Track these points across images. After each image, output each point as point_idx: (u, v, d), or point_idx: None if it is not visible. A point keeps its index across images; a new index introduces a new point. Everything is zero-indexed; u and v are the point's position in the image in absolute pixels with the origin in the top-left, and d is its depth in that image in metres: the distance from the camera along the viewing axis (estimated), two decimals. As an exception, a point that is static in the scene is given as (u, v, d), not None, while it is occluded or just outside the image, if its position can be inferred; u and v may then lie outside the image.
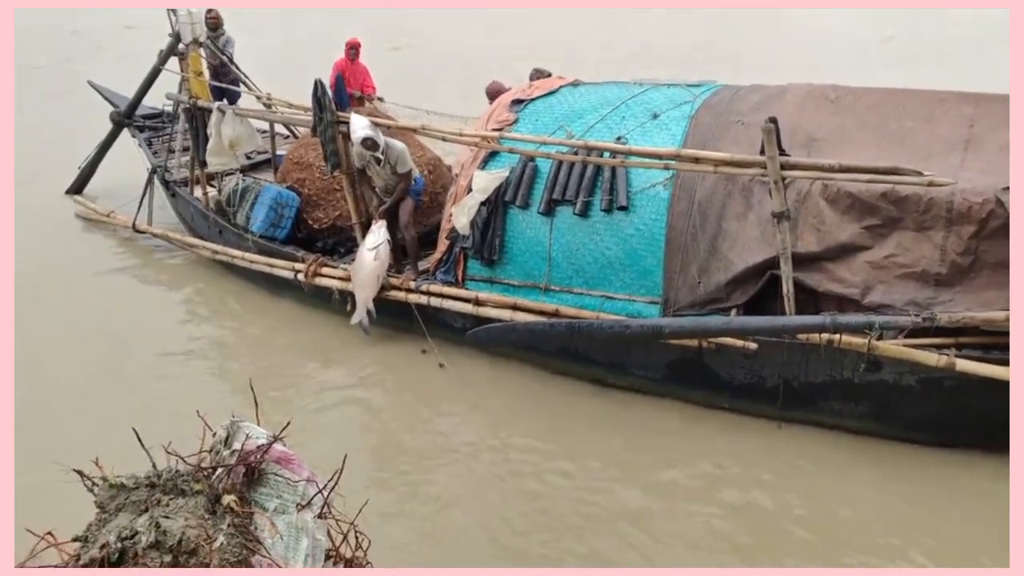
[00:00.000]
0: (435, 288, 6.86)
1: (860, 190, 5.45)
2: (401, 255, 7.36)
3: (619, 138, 6.39)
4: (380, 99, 10.01)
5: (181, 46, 8.80)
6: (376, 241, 6.91)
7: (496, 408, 6.30)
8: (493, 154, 6.82)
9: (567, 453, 5.72)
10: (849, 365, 5.48)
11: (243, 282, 8.42)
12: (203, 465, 3.00)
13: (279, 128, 9.64)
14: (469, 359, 6.85)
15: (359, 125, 6.75)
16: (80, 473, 2.96)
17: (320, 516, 3.07)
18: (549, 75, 7.70)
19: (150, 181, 9.45)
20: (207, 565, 2.68)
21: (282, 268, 7.79)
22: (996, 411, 4.62)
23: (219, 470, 2.98)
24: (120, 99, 10.78)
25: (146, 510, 2.84)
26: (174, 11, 8.71)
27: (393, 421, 6.33)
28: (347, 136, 7.04)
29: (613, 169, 6.23)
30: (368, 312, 7.00)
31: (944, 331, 5.23)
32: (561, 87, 7.32)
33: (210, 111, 8.30)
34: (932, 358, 5.14)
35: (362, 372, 6.92)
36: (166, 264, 9.11)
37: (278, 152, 9.06)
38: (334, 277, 7.42)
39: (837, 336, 5.29)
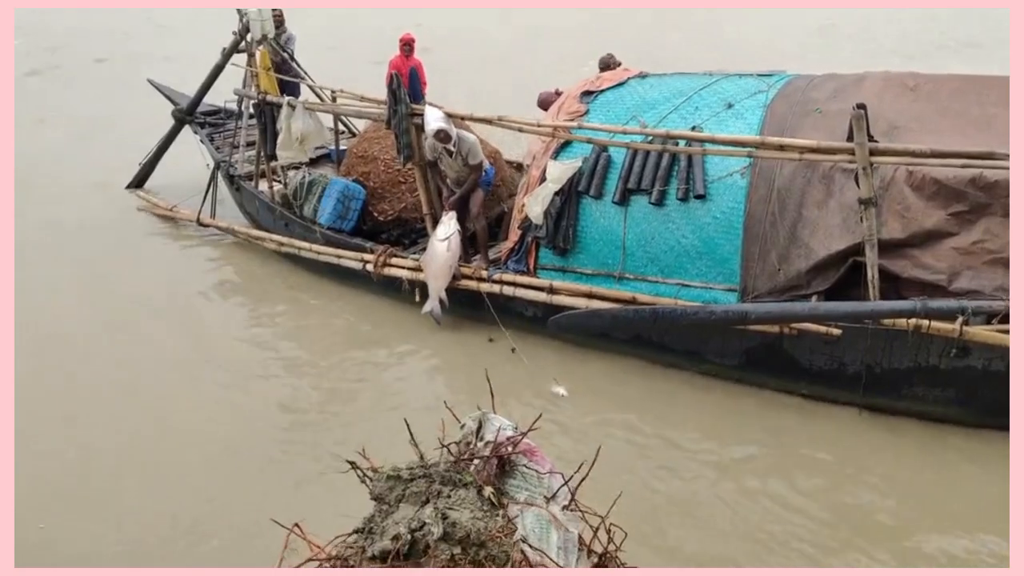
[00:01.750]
0: (508, 277, 6.93)
1: (947, 176, 5.44)
2: (470, 245, 7.44)
3: (694, 128, 6.42)
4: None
5: (247, 42, 8.95)
6: (448, 232, 7.01)
7: (590, 393, 6.36)
8: (565, 145, 6.87)
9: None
10: (936, 351, 5.46)
11: (302, 272, 8.55)
12: (460, 457, 2.96)
13: (331, 123, 9.77)
14: (538, 347, 6.90)
15: (433, 117, 6.85)
16: (353, 464, 2.93)
17: (566, 508, 3.01)
18: (619, 64, 7.73)
19: (214, 176, 9.61)
20: (493, 558, 2.61)
21: (350, 259, 7.90)
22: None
23: (476, 461, 2.95)
24: (180, 97, 10.97)
25: (427, 501, 2.78)
26: (242, 10, 8.88)
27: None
28: (420, 128, 7.13)
29: (690, 158, 6.26)
30: (440, 301, 7.09)
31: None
32: (629, 79, 7.37)
33: (279, 106, 8.43)
34: (1024, 343, 5.10)
35: (430, 360, 7.01)
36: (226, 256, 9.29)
37: (338, 147, 9.21)
38: (404, 267, 7.51)
39: (926, 322, 5.28)
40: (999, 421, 5.50)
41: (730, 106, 6.53)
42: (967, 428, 5.60)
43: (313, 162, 9.57)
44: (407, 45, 10.11)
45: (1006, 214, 5.33)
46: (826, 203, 5.86)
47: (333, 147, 9.45)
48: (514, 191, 7.71)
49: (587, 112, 7.01)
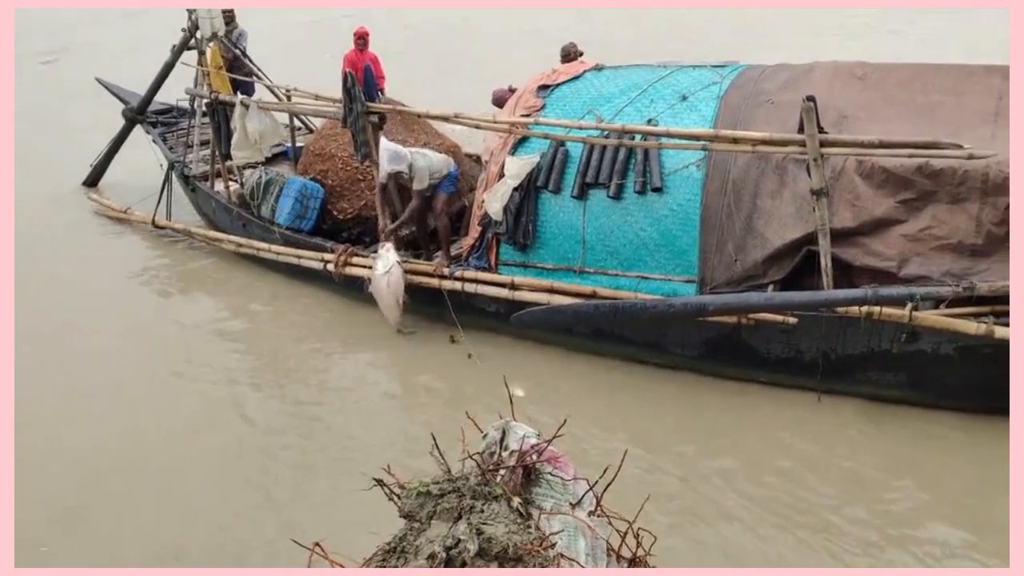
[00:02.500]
0: (470, 274, 6.93)
1: (895, 165, 5.55)
2: (431, 242, 7.42)
3: (650, 121, 6.47)
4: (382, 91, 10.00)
5: (196, 40, 8.79)
6: (387, 265, 6.95)
7: (555, 392, 6.37)
8: (523, 140, 6.88)
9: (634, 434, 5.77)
10: (888, 336, 5.60)
11: (267, 274, 8.47)
12: (488, 468, 2.89)
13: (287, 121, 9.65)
14: (499, 346, 6.93)
15: (386, 158, 6.88)
16: (379, 482, 2.84)
17: (591, 514, 2.96)
18: (581, 53, 7.73)
19: (168, 177, 9.47)
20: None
21: (311, 259, 7.84)
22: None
23: (502, 472, 2.88)
24: (130, 95, 10.74)
25: (459, 517, 2.71)
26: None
27: (438, 409, 6.40)
28: (376, 126, 7.08)
29: (646, 152, 6.31)
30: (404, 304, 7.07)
31: (981, 300, 5.36)
32: (585, 72, 7.38)
33: (232, 105, 8.30)
34: (971, 327, 5.26)
35: (392, 363, 7.01)
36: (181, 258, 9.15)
37: (295, 144, 9.10)
38: (364, 266, 7.47)
39: (877, 308, 5.41)
40: (950, 402, 5.70)
41: (685, 98, 6.59)
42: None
43: (269, 160, 9.44)
44: (361, 39, 9.98)
45: (952, 201, 5.48)
46: (780, 193, 5.96)
47: (289, 144, 9.36)
48: (475, 186, 7.70)
49: (544, 107, 7.02)
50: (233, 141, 8.30)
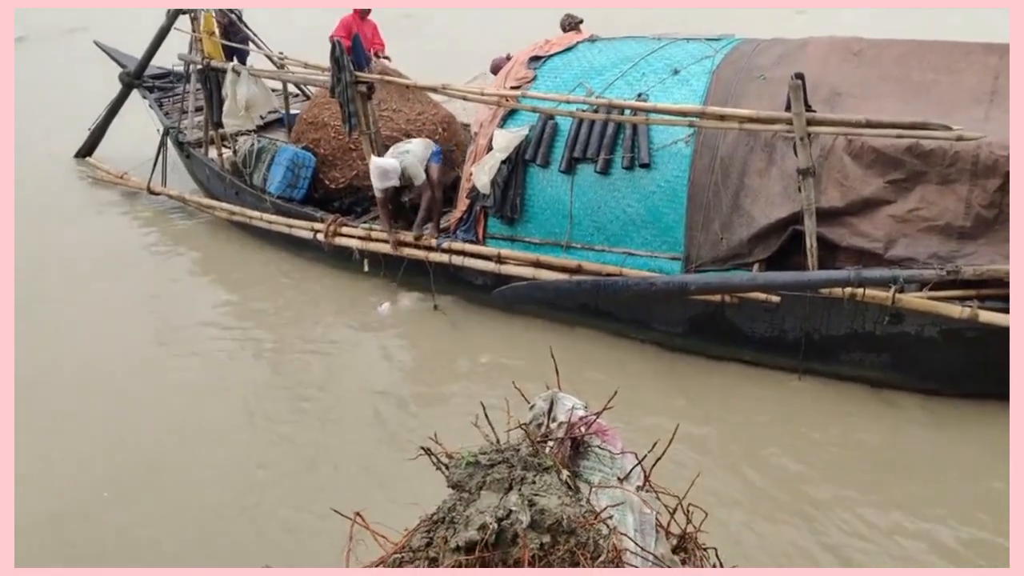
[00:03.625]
0: (456, 245, 6.91)
1: (885, 145, 5.46)
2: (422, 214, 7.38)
3: (640, 95, 6.38)
4: (387, 58, 9.90)
5: (191, 4, 8.70)
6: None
7: (521, 363, 6.39)
8: (512, 112, 6.80)
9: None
10: (871, 318, 5.55)
11: (258, 241, 8.47)
12: (538, 439, 2.83)
13: (291, 87, 9.57)
14: (485, 316, 6.95)
15: (377, 176, 6.86)
16: (427, 451, 2.79)
17: (639, 489, 2.90)
18: (580, 21, 7.60)
19: (163, 143, 9.43)
20: (583, 545, 2.50)
21: (301, 228, 7.82)
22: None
23: (550, 444, 2.82)
24: (128, 59, 10.67)
25: (510, 488, 2.65)
26: None
27: (414, 377, 6.43)
28: (366, 96, 7.02)
29: (635, 126, 6.23)
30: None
31: (966, 283, 5.30)
32: (579, 43, 7.26)
33: (224, 72, 8.23)
34: (955, 310, 5.21)
35: (381, 332, 7.02)
36: (178, 226, 9.15)
37: (290, 112, 9.04)
38: (354, 236, 7.46)
39: (861, 290, 5.36)
40: (933, 385, 5.67)
41: (676, 72, 6.48)
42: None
43: (265, 127, 9.39)
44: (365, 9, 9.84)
45: (941, 182, 5.39)
46: (768, 171, 5.88)
47: (285, 112, 9.30)
48: (467, 158, 7.64)
49: (535, 78, 6.92)
50: (224, 108, 8.24)
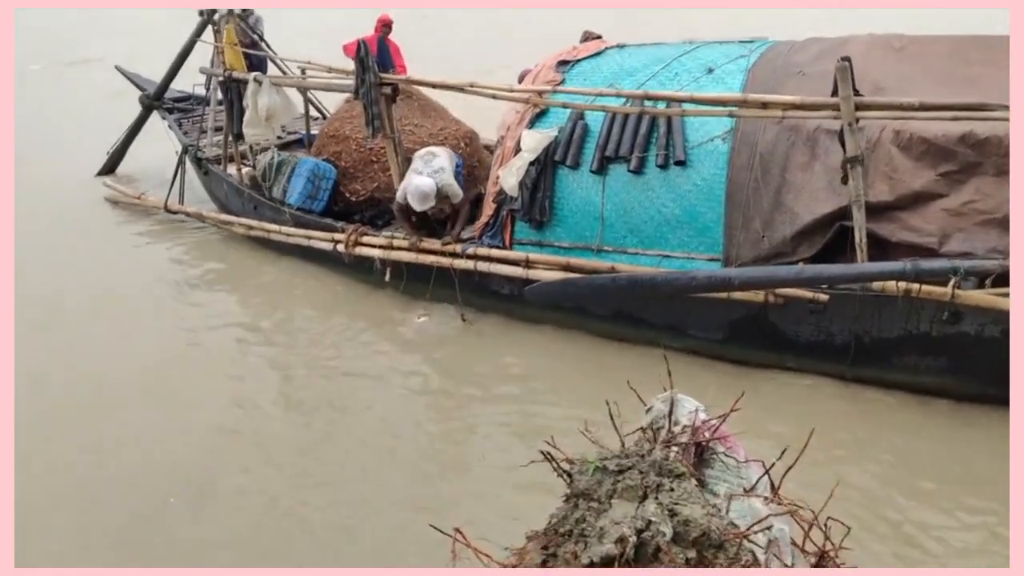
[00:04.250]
0: (482, 251, 6.64)
1: (935, 135, 5.21)
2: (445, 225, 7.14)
3: (674, 93, 6.18)
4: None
5: (214, 21, 8.68)
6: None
7: (546, 376, 6.08)
8: (540, 115, 6.62)
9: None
10: (927, 317, 5.22)
11: (280, 259, 8.24)
12: (665, 443, 2.59)
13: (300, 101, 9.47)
14: (512, 327, 6.67)
15: (418, 200, 6.68)
16: (548, 457, 2.53)
17: (768, 501, 2.63)
18: (599, 36, 7.49)
19: (181, 160, 9.33)
20: (738, 562, 2.24)
21: (321, 240, 7.60)
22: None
23: (675, 449, 2.58)
24: (148, 83, 10.68)
25: (644, 496, 2.38)
26: None
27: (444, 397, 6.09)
28: (390, 98, 6.86)
29: (669, 123, 6.01)
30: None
31: (1029, 278, 4.97)
32: (607, 48, 7.13)
33: (245, 82, 8.14)
34: (1019, 305, 4.87)
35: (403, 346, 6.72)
36: (196, 243, 8.96)
37: (311, 132, 8.94)
38: (375, 246, 7.23)
39: (916, 286, 5.04)
40: (993, 391, 5.28)
41: (711, 71, 6.29)
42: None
43: (284, 147, 9.28)
44: (386, 26, 9.83)
45: (998, 173, 5.11)
46: (811, 166, 5.63)
47: (305, 132, 9.20)
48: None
49: (563, 82, 6.75)
50: (245, 118, 8.12)
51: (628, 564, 2.19)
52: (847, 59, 5.03)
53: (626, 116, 6.13)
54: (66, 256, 8.76)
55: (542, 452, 2.54)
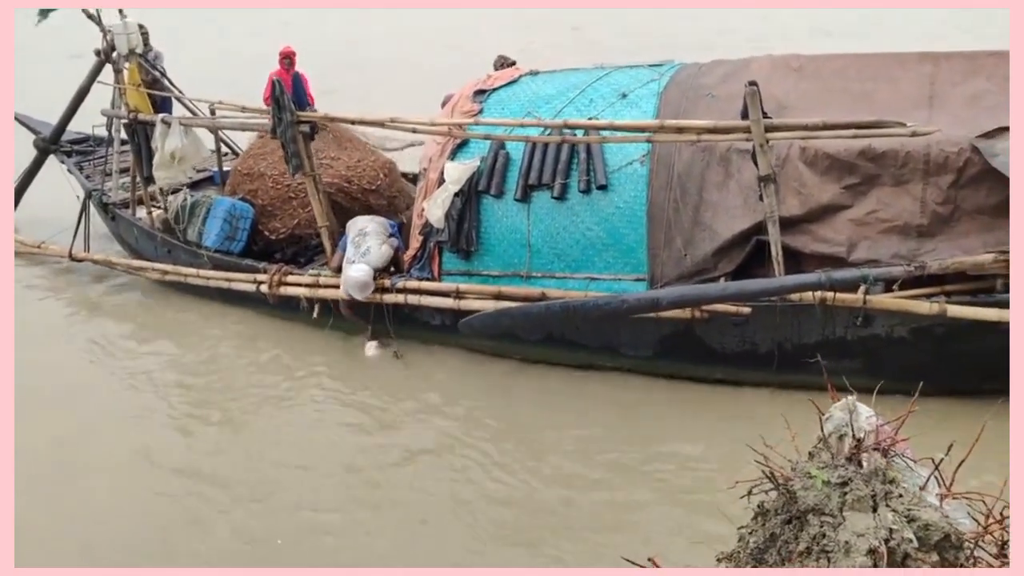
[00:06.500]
0: (412, 284, 6.64)
1: (838, 150, 5.54)
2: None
3: (590, 119, 6.33)
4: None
5: (113, 60, 8.36)
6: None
7: (485, 407, 6.14)
8: (461, 145, 6.67)
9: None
10: (841, 322, 5.53)
11: (192, 300, 7.99)
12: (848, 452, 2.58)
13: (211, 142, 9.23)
14: (441, 359, 6.71)
15: (359, 288, 6.65)
16: (770, 476, 2.49)
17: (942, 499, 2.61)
18: (513, 63, 7.61)
19: (85, 206, 8.91)
20: (974, 560, 2.26)
21: (242, 281, 7.43)
22: (988, 354, 4.72)
23: (865, 455, 2.55)
24: (43, 126, 10.14)
25: (875, 506, 2.35)
26: (98, 18, 8.24)
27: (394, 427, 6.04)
28: (308, 136, 6.78)
29: (588, 149, 6.18)
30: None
31: (930, 280, 5.34)
32: (521, 76, 7.25)
33: (152, 124, 7.88)
34: (924, 306, 5.24)
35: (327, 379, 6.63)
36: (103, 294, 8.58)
37: (222, 169, 8.71)
38: (300, 284, 7.11)
39: (831, 294, 5.33)
40: (905, 385, 5.58)
41: (624, 96, 6.50)
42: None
43: (195, 185, 8.99)
44: (287, 59, 9.68)
45: (895, 183, 5.48)
46: (726, 184, 5.89)
47: (216, 169, 8.95)
48: (411, 203, 7.45)
49: (481, 111, 6.83)
50: (155, 161, 7.85)
51: None
52: (755, 83, 5.29)
53: (547, 144, 6.25)
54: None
55: (762, 469, 2.54)
